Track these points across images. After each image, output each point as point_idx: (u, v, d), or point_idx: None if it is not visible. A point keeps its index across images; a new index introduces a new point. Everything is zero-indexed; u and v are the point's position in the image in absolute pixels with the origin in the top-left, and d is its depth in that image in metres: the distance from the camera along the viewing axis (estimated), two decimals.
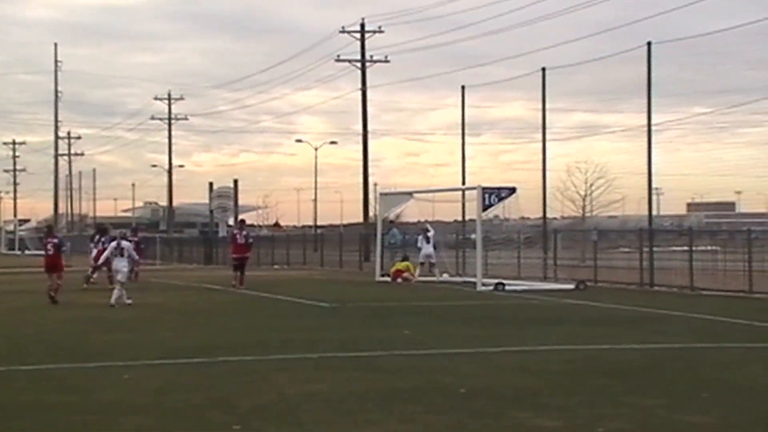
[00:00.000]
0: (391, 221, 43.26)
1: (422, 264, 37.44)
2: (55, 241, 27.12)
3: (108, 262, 27.01)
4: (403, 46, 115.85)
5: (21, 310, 24.39)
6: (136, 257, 29.19)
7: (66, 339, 18.00)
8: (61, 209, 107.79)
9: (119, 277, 25.62)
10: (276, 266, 53.00)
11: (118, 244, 26.37)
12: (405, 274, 36.27)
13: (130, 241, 28.38)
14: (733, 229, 56.73)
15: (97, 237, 35.99)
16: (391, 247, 40.95)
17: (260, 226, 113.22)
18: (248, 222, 79.09)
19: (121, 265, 25.76)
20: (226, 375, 13.22)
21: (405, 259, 38.00)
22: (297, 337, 17.70)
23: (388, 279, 36.49)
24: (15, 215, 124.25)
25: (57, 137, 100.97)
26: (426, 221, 40.53)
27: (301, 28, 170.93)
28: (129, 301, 24.94)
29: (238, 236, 34.33)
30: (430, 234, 37.79)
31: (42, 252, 28.94)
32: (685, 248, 32.14)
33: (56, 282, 26.29)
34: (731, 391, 11.88)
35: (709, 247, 34.45)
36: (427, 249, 37.41)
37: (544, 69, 39.60)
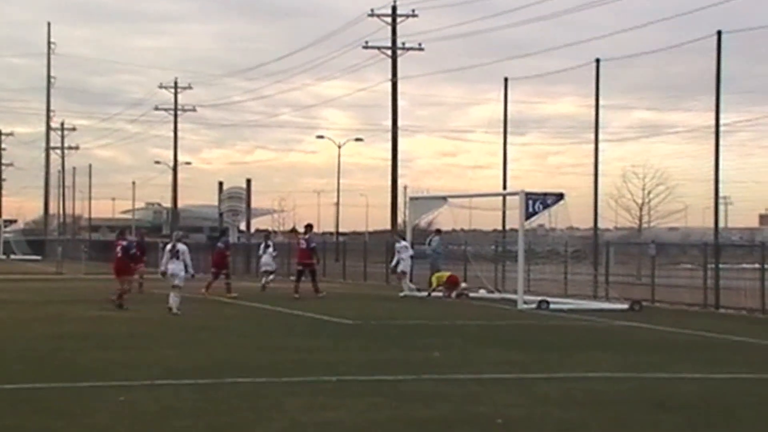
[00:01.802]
0: (438, 231, 43.95)
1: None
2: (124, 243, 29.10)
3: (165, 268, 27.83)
4: (439, 33, 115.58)
5: (5, 322, 24.52)
6: (190, 263, 28.91)
7: (55, 356, 18.10)
8: (53, 209, 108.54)
9: (176, 281, 26.87)
10: (292, 277, 53.07)
11: (173, 247, 27.55)
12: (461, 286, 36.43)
13: (186, 244, 28.96)
14: None
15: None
16: (434, 257, 41.05)
17: (275, 232, 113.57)
18: (262, 227, 79.35)
19: (176, 268, 27.06)
20: (233, 399, 13.29)
21: (437, 270, 38.15)
22: (314, 358, 17.76)
23: (419, 294, 36.60)
24: (0, 215, 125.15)
25: (49, 128, 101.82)
26: (437, 230, 41.07)
27: (325, 10, 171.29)
28: (177, 311, 26.20)
29: (301, 242, 35.99)
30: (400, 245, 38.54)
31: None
32: (757, 266, 32.00)
33: (124, 287, 28.27)
34: None
35: None
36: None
37: (598, 60, 39.56)
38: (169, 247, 28.12)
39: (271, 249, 41.09)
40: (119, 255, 28.69)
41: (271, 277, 40.25)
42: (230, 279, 35.83)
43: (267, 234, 46.00)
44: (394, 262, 39.00)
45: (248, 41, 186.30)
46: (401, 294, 37.01)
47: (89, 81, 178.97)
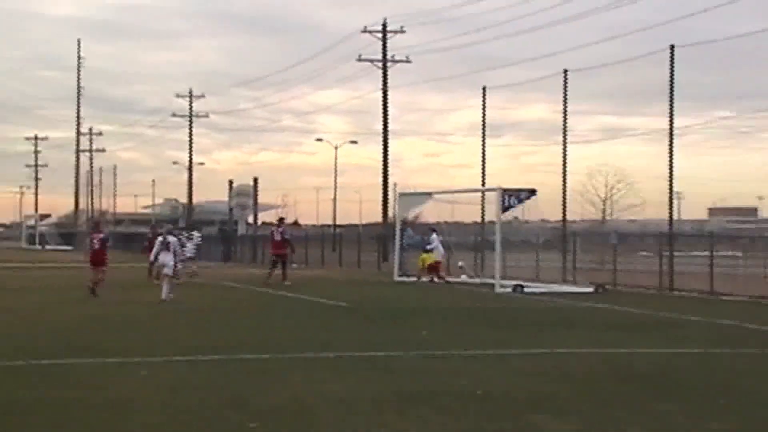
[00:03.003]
0: (406, 222, 43.16)
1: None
2: (101, 236, 28.31)
3: (156, 257, 27.57)
4: (424, 47, 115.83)
5: (39, 306, 24.44)
6: (180, 252, 29.33)
7: (82, 335, 18.03)
8: (82, 205, 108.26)
9: (166, 270, 26.50)
10: (294, 265, 52.89)
11: (164, 239, 27.22)
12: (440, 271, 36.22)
13: (175, 236, 28.83)
14: (754, 234, 56.48)
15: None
16: (410, 247, 40.87)
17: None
18: (267, 221, 79.24)
19: (167, 258, 26.64)
20: (242, 374, 13.23)
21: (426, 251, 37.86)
22: (314, 337, 17.70)
23: (407, 279, 36.49)
24: (36, 210, 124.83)
25: (79, 133, 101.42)
26: (437, 223, 40.77)
27: (322, 27, 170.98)
28: (171, 296, 25.62)
29: (275, 233, 35.19)
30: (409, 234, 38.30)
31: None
32: (706, 253, 31.99)
33: (99, 276, 27.20)
34: (750, 398, 11.80)
35: (730, 252, 34.33)
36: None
37: (566, 71, 39.49)
38: (160, 239, 27.60)
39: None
40: (96, 246, 27.84)
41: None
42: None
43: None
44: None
45: (254, 55, 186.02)
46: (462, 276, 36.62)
47: (112, 91, 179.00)
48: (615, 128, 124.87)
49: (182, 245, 31.23)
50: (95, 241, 27.99)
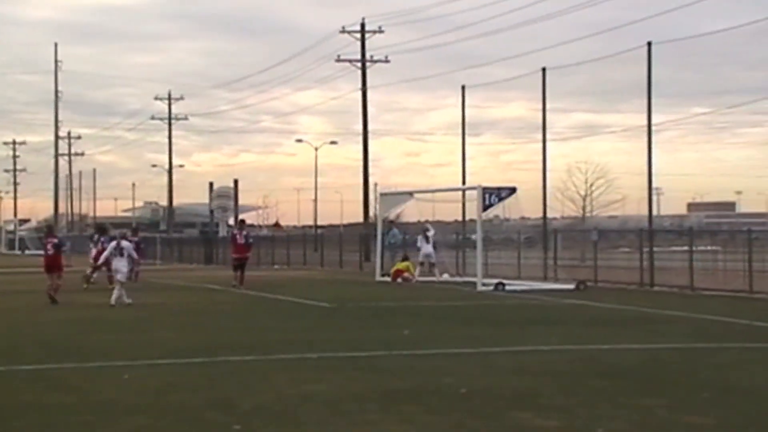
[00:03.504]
0: (391, 221, 42.89)
1: (422, 264, 37.46)
2: (55, 241, 27.10)
3: (108, 262, 26.92)
4: (403, 47, 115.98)
5: (20, 310, 24.38)
6: (136, 257, 29.15)
7: (65, 339, 17.99)
8: (62, 209, 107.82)
9: (119, 276, 25.65)
10: (276, 266, 52.98)
11: (118, 244, 26.34)
12: (405, 274, 36.25)
13: (130, 240, 28.35)
14: (733, 229, 56.76)
15: (96, 237, 36.03)
16: (392, 247, 40.88)
17: (260, 226, 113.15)
18: (248, 222, 79.11)
19: (120, 264, 25.76)
20: (226, 375, 13.23)
21: (405, 259, 37.92)
22: (297, 338, 17.70)
23: (389, 279, 36.48)
24: (15, 215, 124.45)
25: (57, 137, 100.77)
26: (427, 221, 40.52)
27: (301, 28, 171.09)
28: (129, 301, 24.95)
29: (238, 236, 34.09)
30: (430, 234, 37.80)
31: (42, 252, 28.91)
32: (686, 248, 32.12)
33: (56, 282, 26.28)
34: (730, 392, 11.88)
35: (709, 247, 34.48)
36: (427, 249, 37.45)
37: (544, 69, 39.61)
38: (113, 244, 26.57)
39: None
40: (50, 252, 26.50)
41: None
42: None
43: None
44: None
45: (231, 56, 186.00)
46: (436, 279, 36.58)
47: (91, 94, 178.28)
48: (593, 125, 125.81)
49: (65, 249, 29.43)
50: (49, 246, 26.74)
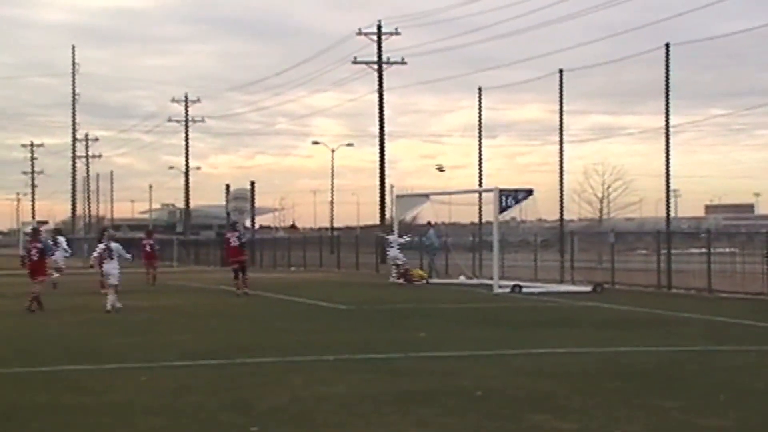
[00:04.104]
0: (429, 223, 42.79)
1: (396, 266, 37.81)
2: (40, 245, 25.45)
3: (100, 264, 25.77)
4: (419, 49, 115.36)
5: (36, 313, 24.39)
6: (129, 257, 27.69)
7: (82, 341, 18.04)
8: (79, 211, 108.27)
9: (111, 280, 24.63)
10: (292, 268, 53.07)
11: (107, 246, 25.21)
12: (413, 279, 36.48)
13: (118, 241, 26.91)
14: (751, 231, 56.48)
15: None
16: (428, 249, 40.82)
17: (277, 228, 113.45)
18: (265, 224, 79.15)
19: (110, 267, 24.79)
20: (242, 377, 13.25)
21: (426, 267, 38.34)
22: (313, 339, 17.72)
23: (402, 281, 36.57)
24: (33, 217, 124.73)
25: (75, 139, 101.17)
26: (436, 223, 40.90)
27: (317, 30, 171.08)
28: (119, 305, 24.08)
29: (231, 239, 31.89)
30: (403, 240, 38.28)
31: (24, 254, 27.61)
32: (703, 250, 31.99)
33: (36, 288, 24.59)
34: (748, 394, 11.83)
35: (727, 250, 34.31)
36: (393, 252, 37.93)
37: (561, 71, 39.55)
38: (102, 246, 25.42)
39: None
40: (35, 257, 24.76)
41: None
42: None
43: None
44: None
45: (249, 59, 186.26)
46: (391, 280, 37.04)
47: (108, 97, 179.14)
48: (610, 127, 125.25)
49: (51, 253, 28.88)
50: (33, 251, 24.90)
